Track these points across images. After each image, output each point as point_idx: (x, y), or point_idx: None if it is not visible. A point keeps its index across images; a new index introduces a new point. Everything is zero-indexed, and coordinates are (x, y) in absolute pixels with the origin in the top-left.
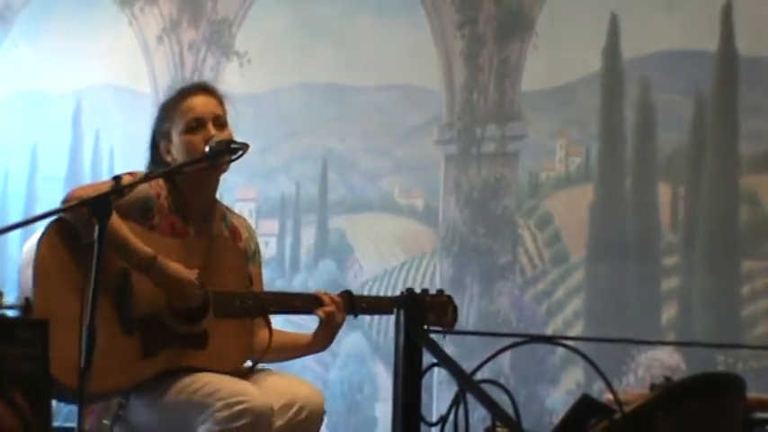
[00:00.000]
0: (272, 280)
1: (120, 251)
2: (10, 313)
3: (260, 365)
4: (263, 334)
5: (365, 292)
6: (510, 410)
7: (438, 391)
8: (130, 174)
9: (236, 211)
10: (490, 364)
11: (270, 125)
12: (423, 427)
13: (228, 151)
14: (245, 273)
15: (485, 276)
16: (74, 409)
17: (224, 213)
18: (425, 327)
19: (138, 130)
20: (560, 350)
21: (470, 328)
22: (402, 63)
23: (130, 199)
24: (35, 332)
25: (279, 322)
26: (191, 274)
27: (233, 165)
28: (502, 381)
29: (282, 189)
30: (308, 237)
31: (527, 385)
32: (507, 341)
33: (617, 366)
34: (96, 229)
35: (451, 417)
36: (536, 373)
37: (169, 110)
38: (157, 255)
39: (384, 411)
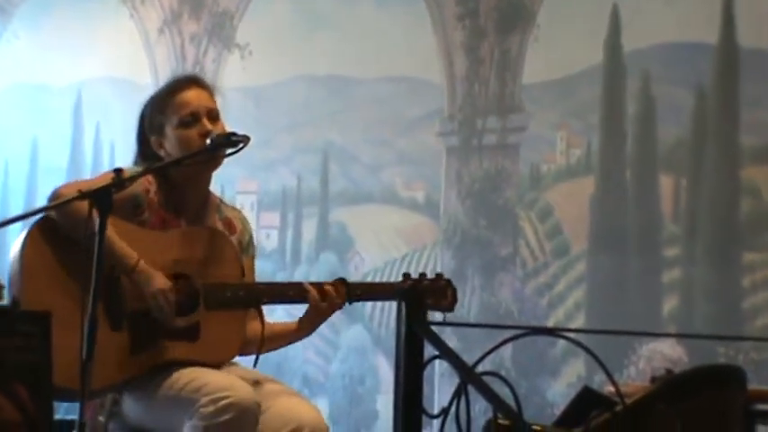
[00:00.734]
0: (273, 272)
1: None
2: None
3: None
4: (256, 325)
5: None
6: (511, 403)
7: (439, 384)
8: (118, 170)
9: (238, 203)
10: (491, 356)
11: (271, 117)
12: (424, 419)
13: (229, 144)
14: (237, 265)
15: (486, 268)
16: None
17: (218, 206)
18: (424, 311)
19: None
20: (561, 342)
21: (472, 321)
22: (403, 55)
23: (119, 196)
24: (36, 324)
25: (280, 314)
26: (165, 282)
27: (234, 157)
28: (503, 373)
29: (284, 181)
30: (310, 229)
31: (528, 377)
32: (508, 333)
33: (618, 358)
34: (95, 222)
35: (453, 409)
36: (537, 366)
37: (161, 104)
38: (139, 259)
39: (385, 404)
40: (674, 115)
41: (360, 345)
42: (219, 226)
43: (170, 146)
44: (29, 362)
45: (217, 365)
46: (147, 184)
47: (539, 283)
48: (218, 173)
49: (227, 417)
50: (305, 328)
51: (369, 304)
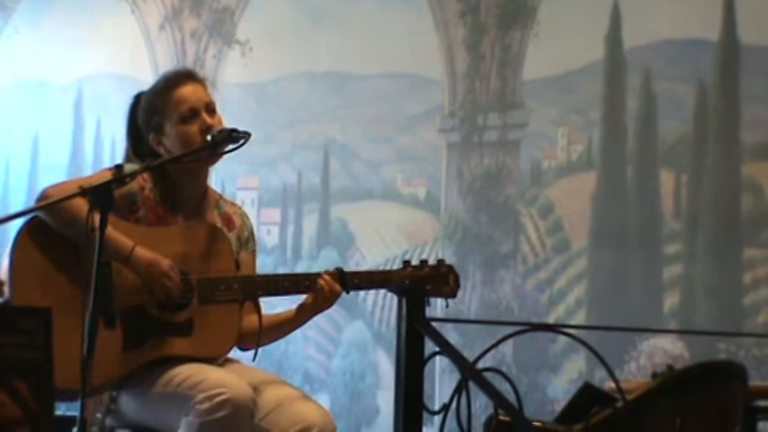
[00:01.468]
0: (274, 268)
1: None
2: None
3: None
4: (253, 318)
5: None
6: (512, 399)
7: (440, 380)
8: (109, 170)
9: (239, 200)
10: (492, 352)
11: (271, 114)
12: (425, 415)
13: (230, 140)
14: (231, 258)
15: (487, 265)
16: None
17: (217, 201)
18: (425, 297)
19: None
20: (562, 338)
21: (472, 317)
22: (404, 52)
23: (114, 195)
24: (38, 321)
25: (286, 304)
26: (169, 262)
27: (235, 154)
28: (504, 369)
29: (284, 178)
30: (310, 225)
31: (529, 374)
32: (509, 329)
33: (619, 355)
34: (93, 220)
35: (454, 405)
36: (538, 362)
37: (157, 102)
38: (136, 245)
39: (386, 400)
40: (675, 111)
41: (360, 341)
42: (218, 221)
43: (170, 143)
44: (29, 358)
45: (212, 360)
46: (142, 181)
47: (539, 279)
48: (218, 169)
49: (222, 413)
50: (303, 316)
51: (369, 301)
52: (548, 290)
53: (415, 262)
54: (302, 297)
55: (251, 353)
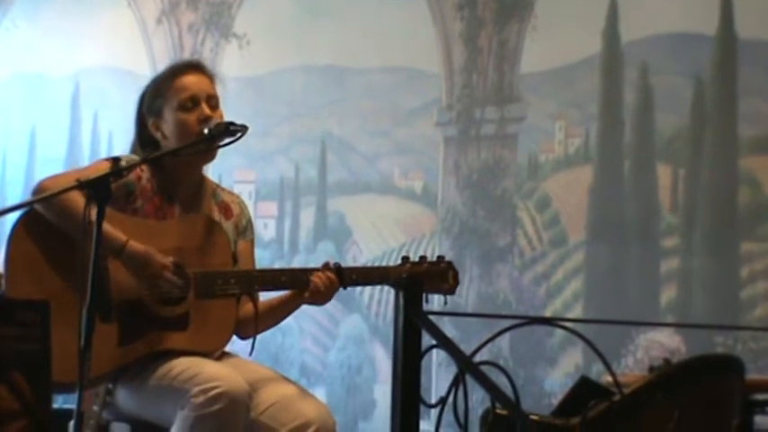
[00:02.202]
0: (271, 262)
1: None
2: None
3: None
4: (249, 306)
5: None
6: (509, 392)
7: (437, 373)
8: (106, 161)
9: (237, 192)
10: (489, 345)
11: (269, 107)
12: (422, 408)
13: (228, 133)
14: (229, 251)
15: (484, 258)
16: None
17: (214, 191)
18: (423, 294)
19: None
20: (559, 332)
21: (469, 310)
22: (401, 45)
23: (111, 188)
24: (36, 313)
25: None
26: (163, 259)
27: (232, 147)
28: (501, 363)
29: (282, 171)
30: (307, 219)
31: (526, 367)
32: (506, 323)
33: (616, 348)
34: (90, 213)
35: (451, 398)
36: (535, 355)
37: (161, 87)
38: (128, 240)
39: (383, 393)
40: (673, 105)
41: (357, 334)
42: (215, 211)
43: (167, 129)
44: (27, 351)
45: (208, 354)
46: (140, 171)
47: (536, 272)
48: (215, 162)
49: (217, 407)
50: (297, 303)
51: (366, 294)
52: (545, 283)
53: (411, 256)
54: None
55: (248, 346)
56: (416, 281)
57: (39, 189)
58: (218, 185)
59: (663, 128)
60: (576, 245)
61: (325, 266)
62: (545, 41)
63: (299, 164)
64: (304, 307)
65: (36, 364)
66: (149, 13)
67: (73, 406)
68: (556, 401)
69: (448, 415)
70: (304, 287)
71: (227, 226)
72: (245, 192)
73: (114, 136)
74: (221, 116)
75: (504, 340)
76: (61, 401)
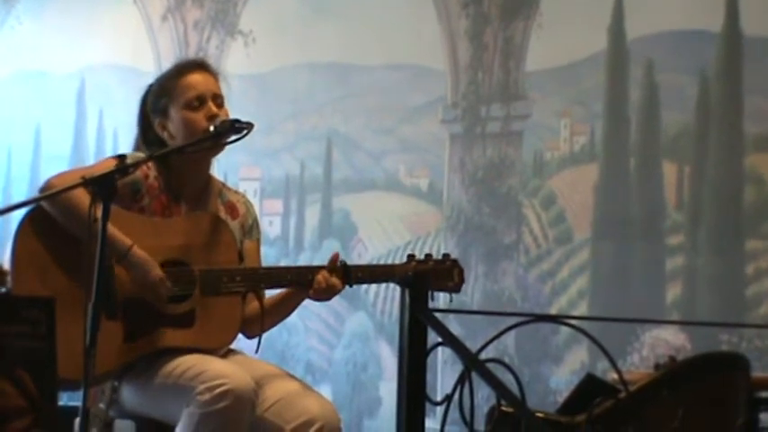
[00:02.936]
0: (276, 259)
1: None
2: None
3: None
4: (254, 304)
5: None
6: (514, 390)
7: (443, 371)
8: (112, 159)
9: (241, 190)
10: (495, 343)
11: (274, 104)
12: (427, 406)
13: (233, 131)
14: (235, 249)
15: (489, 256)
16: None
17: (220, 190)
18: (429, 292)
19: None
20: (565, 330)
21: (475, 308)
22: (407, 42)
23: (118, 184)
24: (41, 310)
25: None
26: (159, 271)
27: (237, 144)
28: (506, 360)
29: (287, 169)
30: (313, 216)
31: (531, 365)
32: (512, 320)
33: (621, 346)
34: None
35: (456, 396)
36: (540, 353)
37: (166, 86)
38: (133, 245)
39: (389, 391)
40: (678, 103)
41: (363, 332)
42: (221, 210)
43: (174, 128)
44: (33, 348)
45: (214, 351)
46: (146, 169)
47: (542, 270)
48: (221, 160)
49: (223, 404)
50: (301, 298)
51: (372, 292)
52: (550, 281)
53: (417, 253)
54: None
55: (253, 345)
56: (422, 279)
57: (46, 187)
58: (224, 185)
59: (668, 125)
60: (581, 242)
61: (331, 264)
62: (550, 39)
63: (305, 161)
64: (310, 305)
65: (41, 362)
66: (154, 10)
67: (78, 403)
68: (561, 399)
69: (453, 412)
70: (309, 285)
71: (234, 226)
72: (250, 189)
73: (119, 133)
74: (227, 114)
75: (509, 338)
76: (66, 399)
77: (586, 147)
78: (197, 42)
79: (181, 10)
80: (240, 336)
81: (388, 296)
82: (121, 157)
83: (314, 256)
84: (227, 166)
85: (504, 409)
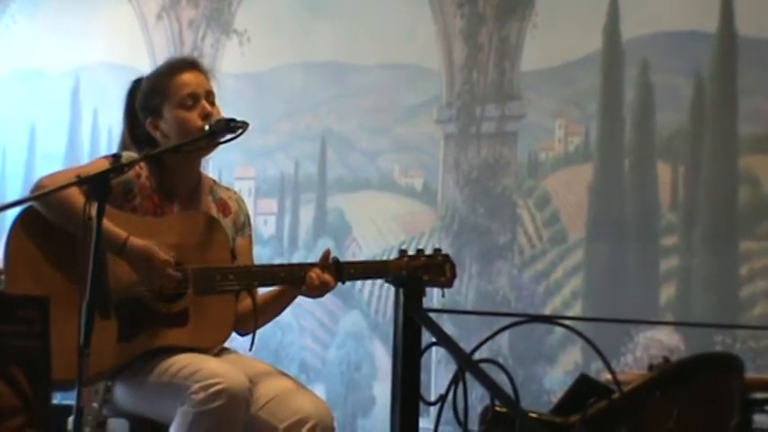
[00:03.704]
0: (270, 258)
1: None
2: None
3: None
4: (247, 302)
5: None
6: (508, 390)
7: (437, 371)
8: (106, 158)
9: (236, 189)
10: (489, 343)
11: (269, 104)
12: (421, 406)
13: (228, 130)
14: (228, 248)
15: (484, 256)
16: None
17: (211, 187)
18: (422, 288)
19: None
20: (559, 330)
21: (469, 308)
22: (402, 42)
23: (111, 185)
24: (35, 310)
25: None
26: (164, 255)
27: (232, 143)
28: (500, 360)
29: (281, 168)
30: (307, 216)
31: (525, 365)
32: (506, 321)
33: (615, 346)
34: (90, 210)
35: (450, 396)
36: (534, 353)
37: (159, 85)
38: (129, 236)
39: (382, 390)
40: (673, 103)
41: (357, 331)
42: (213, 208)
43: (167, 127)
44: (27, 347)
45: (208, 350)
46: (138, 168)
47: (536, 270)
48: (215, 159)
49: (217, 403)
50: (293, 295)
51: (366, 291)
52: (544, 281)
53: (411, 251)
54: None
55: (247, 343)
56: (416, 278)
57: (38, 186)
58: (215, 182)
59: (663, 126)
60: (575, 243)
61: (324, 261)
62: (545, 39)
63: (299, 161)
64: (304, 304)
65: (35, 361)
66: (149, 9)
67: (72, 402)
68: (555, 399)
69: (447, 412)
70: (301, 282)
71: (226, 223)
72: (244, 188)
73: (114, 132)
74: (219, 112)
75: (503, 338)
76: (60, 398)
77: (581, 147)
78: (192, 41)
79: (176, 9)
80: (234, 334)
81: (382, 295)
82: (116, 157)
83: (308, 255)
84: (222, 165)
85: (497, 409)
